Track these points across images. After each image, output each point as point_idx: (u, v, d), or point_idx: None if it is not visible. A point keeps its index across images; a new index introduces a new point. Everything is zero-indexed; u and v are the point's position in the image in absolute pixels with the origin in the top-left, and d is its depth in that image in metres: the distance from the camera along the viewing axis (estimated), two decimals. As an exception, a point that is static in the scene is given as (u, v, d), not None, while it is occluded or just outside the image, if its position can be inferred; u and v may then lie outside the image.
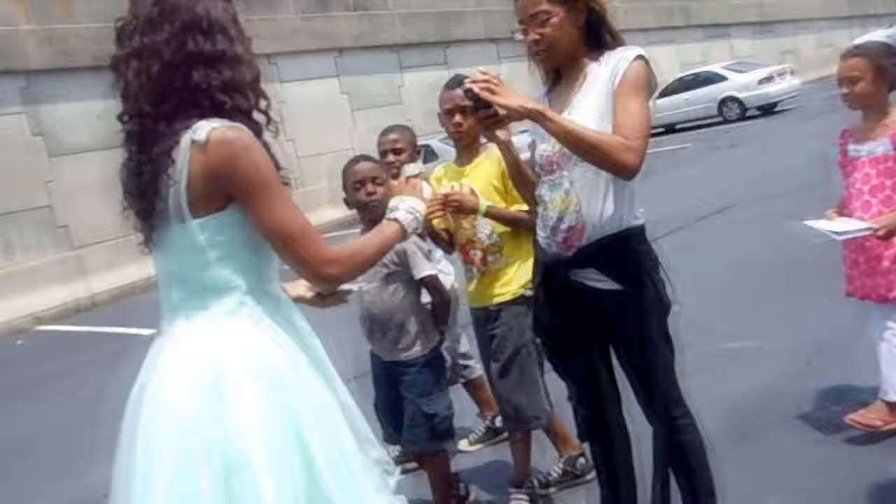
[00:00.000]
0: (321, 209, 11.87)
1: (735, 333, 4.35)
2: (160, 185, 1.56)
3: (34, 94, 11.34)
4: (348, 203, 2.85)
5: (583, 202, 2.16)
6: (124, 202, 1.65)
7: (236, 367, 1.54)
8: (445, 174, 3.07)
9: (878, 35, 3.06)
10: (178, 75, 1.57)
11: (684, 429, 2.28)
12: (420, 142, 3.71)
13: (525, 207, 2.85)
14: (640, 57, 2.12)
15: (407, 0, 17.51)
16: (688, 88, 19.21)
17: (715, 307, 4.77)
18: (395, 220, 1.84)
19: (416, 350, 2.78)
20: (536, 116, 2.03)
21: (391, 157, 3.30)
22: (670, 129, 19.48)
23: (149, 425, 1.52)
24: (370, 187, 2.70)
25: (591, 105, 2.15)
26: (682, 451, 2.30)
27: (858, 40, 3.07)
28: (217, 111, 1.58)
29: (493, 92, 1.99)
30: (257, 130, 1.64)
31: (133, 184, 1.61)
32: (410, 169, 2.11)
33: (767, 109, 18.32)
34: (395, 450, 3.36)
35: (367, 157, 2.85)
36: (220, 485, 1.46)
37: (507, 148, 2.26)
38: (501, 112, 2.06)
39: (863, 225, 2.87)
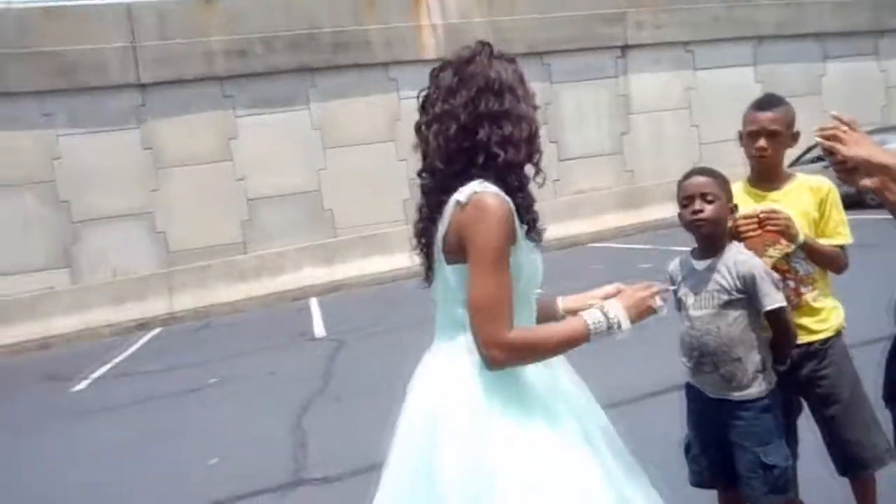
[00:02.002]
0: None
1: None
2: (431, 231, 1.83)
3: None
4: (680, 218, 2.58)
5: None
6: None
7: (447, 408, 1.71)
8: (744, 196, 2.75)
9: None
10: (468, 135, 1.74)
11: None
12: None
13: (837, 242, 2.70)
14: None
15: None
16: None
17: None
18: (585, 320, 1.79)
19: (754, 391, 2.44)
20: (880, 175, 1.79)
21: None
22: None
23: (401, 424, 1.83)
24: (698, 204, 2.45)
25: None
26: None
27: None
28: (490, 163, 1.74)
29: (839, 141, 1.82)
30: (519, 184, 1.79)
31: (418, 228, 1.89)
32: None
33: None
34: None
35: (704, 171, 2.55)
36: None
37: (876, 193, 1.92)
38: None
39: None
